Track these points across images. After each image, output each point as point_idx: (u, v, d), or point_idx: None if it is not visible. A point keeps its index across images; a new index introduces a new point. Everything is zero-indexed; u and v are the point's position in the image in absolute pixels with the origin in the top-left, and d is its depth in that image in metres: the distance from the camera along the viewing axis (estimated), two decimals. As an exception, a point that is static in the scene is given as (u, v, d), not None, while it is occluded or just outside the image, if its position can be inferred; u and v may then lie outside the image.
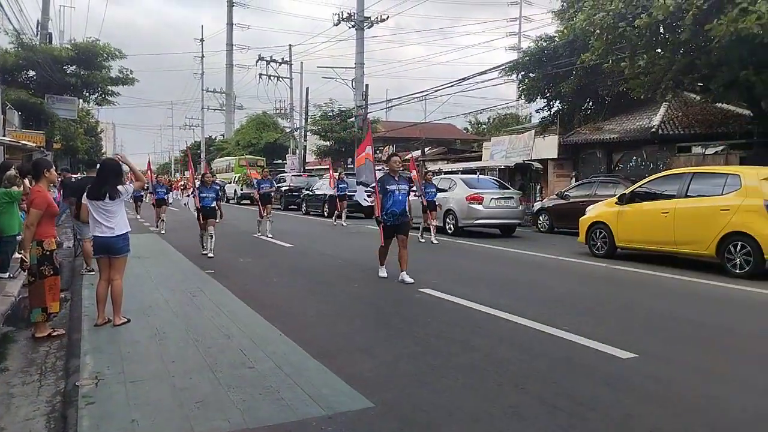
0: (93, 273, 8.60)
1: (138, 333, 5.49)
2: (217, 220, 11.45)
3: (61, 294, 6.95)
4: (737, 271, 8.84)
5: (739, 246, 8.84)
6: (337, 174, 20.02)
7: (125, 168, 6.17)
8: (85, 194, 5.85)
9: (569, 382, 4.17)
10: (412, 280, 7.99)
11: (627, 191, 11.30)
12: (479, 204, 14.84)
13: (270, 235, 14.35)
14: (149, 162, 21.69)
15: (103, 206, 5.65)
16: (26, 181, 8.31)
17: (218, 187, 12.04)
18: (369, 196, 9.29)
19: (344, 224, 18.28)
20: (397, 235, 8.27)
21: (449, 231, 15.39)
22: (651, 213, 10.24)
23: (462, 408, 3.71)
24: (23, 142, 19.31)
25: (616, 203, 11.13)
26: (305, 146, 43.83)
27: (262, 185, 15.27)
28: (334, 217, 19.34)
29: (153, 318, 6.08)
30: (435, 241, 13.56)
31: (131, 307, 6.31)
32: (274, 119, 52.79)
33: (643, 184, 11.17)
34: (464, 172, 23.06)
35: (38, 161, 6.13)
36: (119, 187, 5.73)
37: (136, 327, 5.69)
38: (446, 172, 22.43)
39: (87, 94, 32.25)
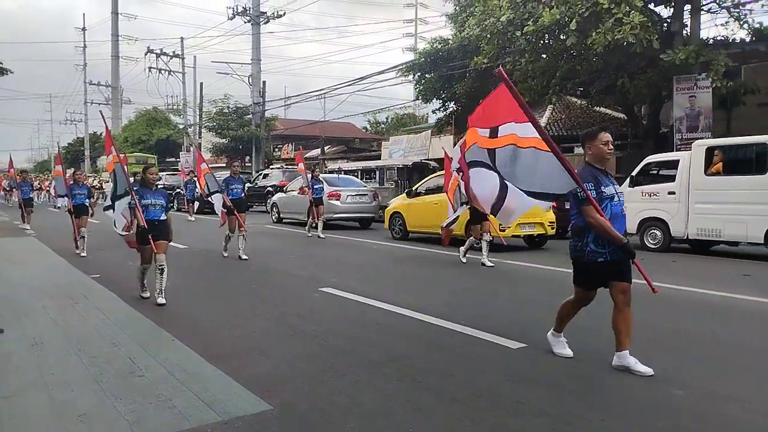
0: None
1: (12, 343, 5.05)
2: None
3: None
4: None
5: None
6: (311, 173, 15.30)
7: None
8: None
9: (465, 375, 4.31)
10: (651, 371, 4.23)
11: (414, 188, 14.20)
12: (337, 200, 16.44)
13: (245, 256, 10.34)
14: (11, 160, 19.74)
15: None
16: None
17: (170, 192, 7.96)
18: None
19: (321, 236, 14.22)
20: (614, 281, 4.32)
21: (313, 226, 16.78)
22: (427, 204, 13.11)
23: (361, 405, 3.73)
24: None
25: (406, 197, 13.91)
26: (200, 143, 42.30)
27: (232, 185, 10.95)
28: (308, 227, 14.96)
29: (30, 327, 5.61)
30: (321, 236, 14.20)
31: (5, 315, 5.80)
32: (166, 115, 50.52)
33: (423, 182, 14.21)
34: (363, 170, 23.24)
35: None
36: None
37: (11, 337, 5.23)
38: (346, 171, 22.57)
39: (-50, 83, 29.34)
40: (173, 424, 3.42)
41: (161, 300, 6.67)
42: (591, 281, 4.45)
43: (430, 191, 13.42)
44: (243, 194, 11.29)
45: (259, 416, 3.54)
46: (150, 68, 40.33)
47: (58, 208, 23.60)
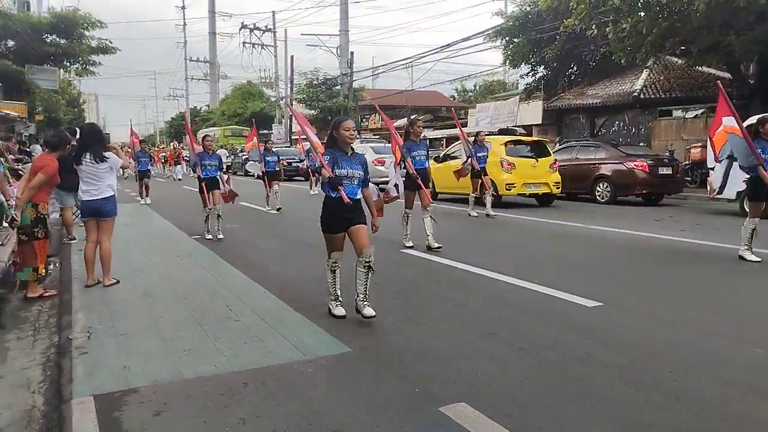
0: (75, 241, 8.73)
1: (127, 293, 5.70)
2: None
3: (50, 259, 7.12)
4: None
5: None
6: (473, 139, 12.16)
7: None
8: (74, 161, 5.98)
9: (537, 329, 4.44)
10: None
11: (441, 154, 15.68)
12: (382, 166, 18.08)
13: (436, 244, 7.87)
14: (133, 131, 20.49)
15: (88, 170, 5.79)
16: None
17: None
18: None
19: (492, 214, 11.72)
20: None
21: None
22: (450, 169, 13.41)
23: (434, 352, 3.97)
24: (5, 111, 19.15)
25: (435, 162, 14.60)
26: (291, 115, 43.58)
27: (413, 152, 8.08)
28: (471, 205, 12.29)
29: (142, 280, 6.28)
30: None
31: (121, 270, 6.49)
32: (260, 88, 52.34)
33: (450, 149, 15.68)
34: (448, 138, 23.26)
35: (63, 134, 6.42)
36: (108, 155, 5.89)
37: (126, 287, 5.89)
38: (431, 139, 22.81)
39: (68, 64, 31.85)
40: (265, 360, 3.82)
41: (369, 311, 4.62)
42: None
43: (452, 157, 14.61)
44: (428, 163, 8.52)
45: (340, 356, 3.87)
46: (244, 43, 41.89)
47: (180, 179, 24.80)
